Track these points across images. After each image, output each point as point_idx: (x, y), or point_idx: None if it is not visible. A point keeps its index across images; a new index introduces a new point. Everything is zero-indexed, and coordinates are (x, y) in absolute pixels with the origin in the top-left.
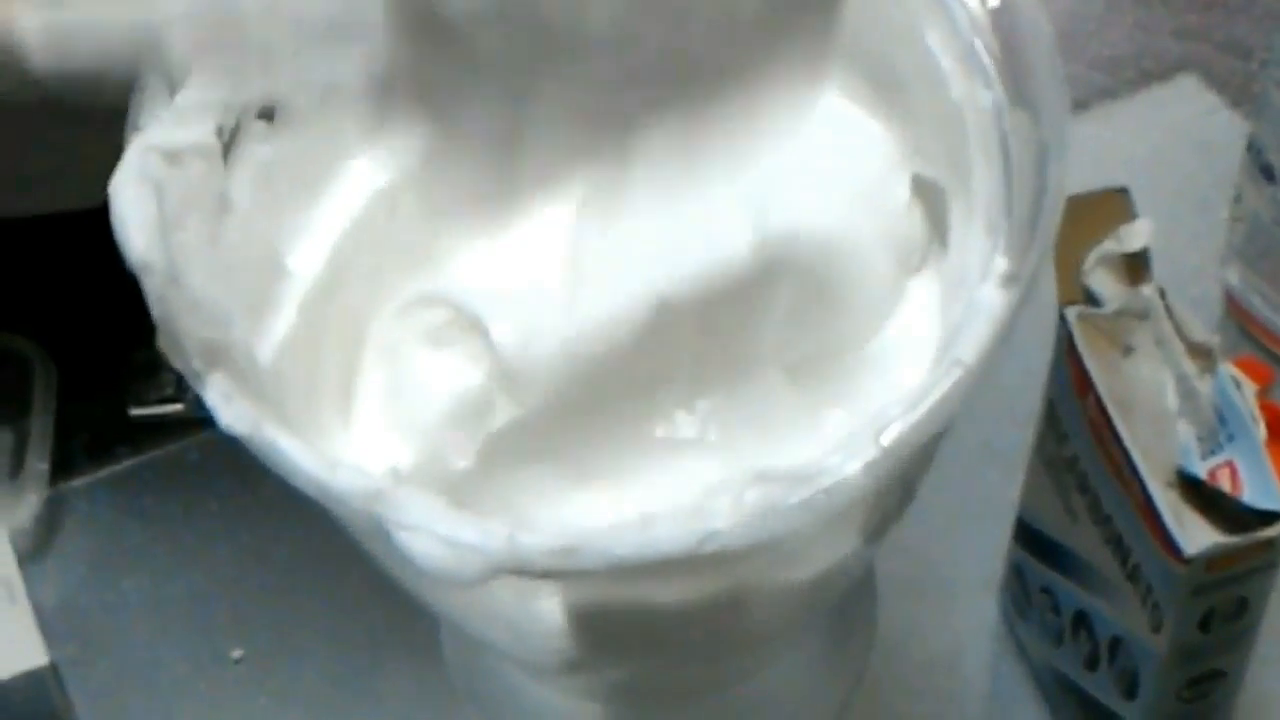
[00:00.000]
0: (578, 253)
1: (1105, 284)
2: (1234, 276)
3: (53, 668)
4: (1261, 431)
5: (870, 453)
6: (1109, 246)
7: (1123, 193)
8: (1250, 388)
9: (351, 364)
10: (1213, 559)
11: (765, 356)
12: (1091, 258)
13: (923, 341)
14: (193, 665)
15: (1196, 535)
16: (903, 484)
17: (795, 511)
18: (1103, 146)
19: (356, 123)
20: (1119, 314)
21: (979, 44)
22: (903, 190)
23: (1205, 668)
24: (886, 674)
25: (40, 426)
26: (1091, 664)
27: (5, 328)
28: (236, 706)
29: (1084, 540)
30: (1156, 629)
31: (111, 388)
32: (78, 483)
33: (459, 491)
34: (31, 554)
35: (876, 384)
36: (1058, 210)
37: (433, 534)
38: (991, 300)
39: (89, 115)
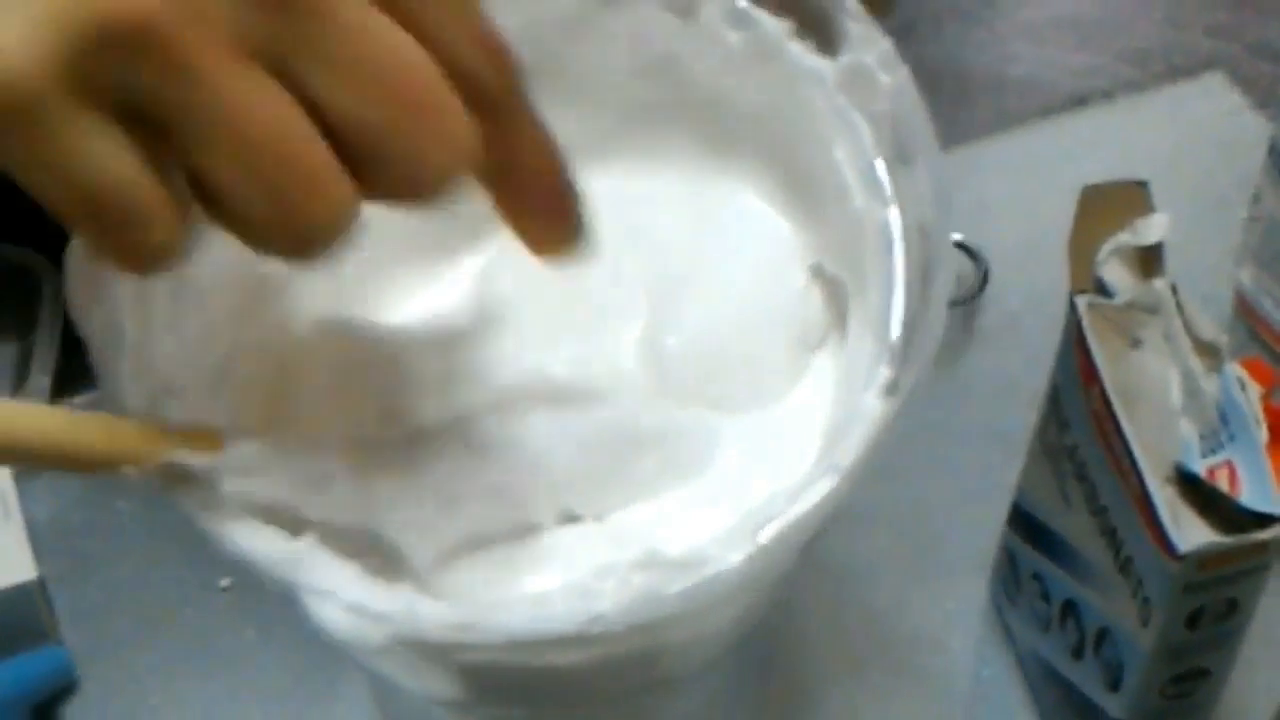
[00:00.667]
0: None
1: (1118, 275)
2: (1247, 277)
3: (40, 583)
4: (1263, 434)
5: (748, 547)
6: (1124, 238)
7: (1142, 185)
8: (1255, 389)
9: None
10: (1205, 558)
11: (648, 441)
12: (1106, 248)
13: (811, 431)
14: (180, 590)
15: (1191, 533)
16: (780, 574)
17: (676, 598)
18: (1125, 138)
19: None
20: (1129, 306)
21: (879, 164)
22: (799, 275)
23: (1190, 665)
24: (874, 649)
25: (45, 340)
26: (1077, 653)
27: (11, 241)
28: (221, 634)
29: (1078, 529)
30: (1145, 623)
31: None
32: (80, 398)
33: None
34: (28, 469)
35: (761, 470)
36: (939, 325)
37: (339, 601)
38: (872, 409)
39: None
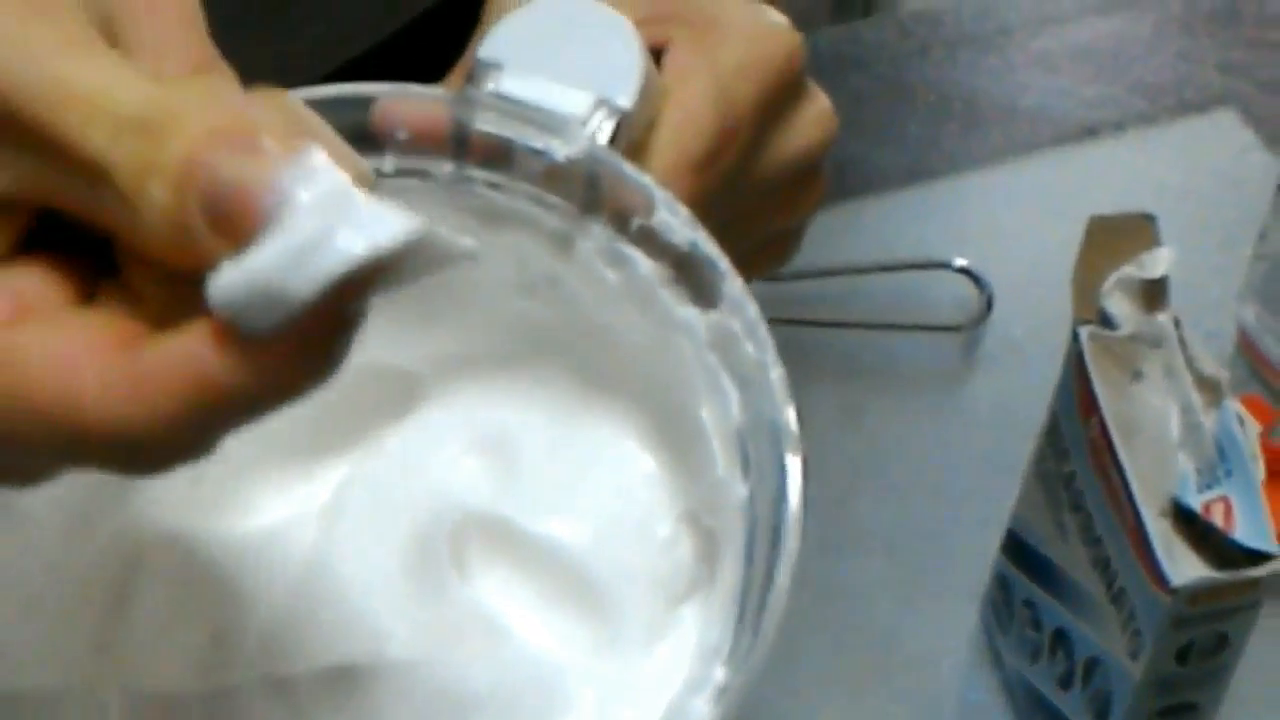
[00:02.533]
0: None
1: (1121, 307)
2: (1250, 315)
3: None
4: (1260, 471)
5: None
6: (1129, 271)
7: (1149, 219)
8: (1254, 427)
9: None
10: (1198, 593)
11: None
12: (1111, 280)
13: (661, 704)
14: None
15: (1184, 567)
16: None
17: None
18: (1134, 171)
19: None
20: (1132, 338)
21: (746, 439)
22: (666, 524)
23: (1178, 699)
24: (866, 671)
25: None
26: (1066, 683)
27: None
28: None
29: (1072, 559)
30: (1134, 655)
31: None
32: None
33: None
34: None
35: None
36: (772, 637)
37: None
38: (697, 715)
39: None
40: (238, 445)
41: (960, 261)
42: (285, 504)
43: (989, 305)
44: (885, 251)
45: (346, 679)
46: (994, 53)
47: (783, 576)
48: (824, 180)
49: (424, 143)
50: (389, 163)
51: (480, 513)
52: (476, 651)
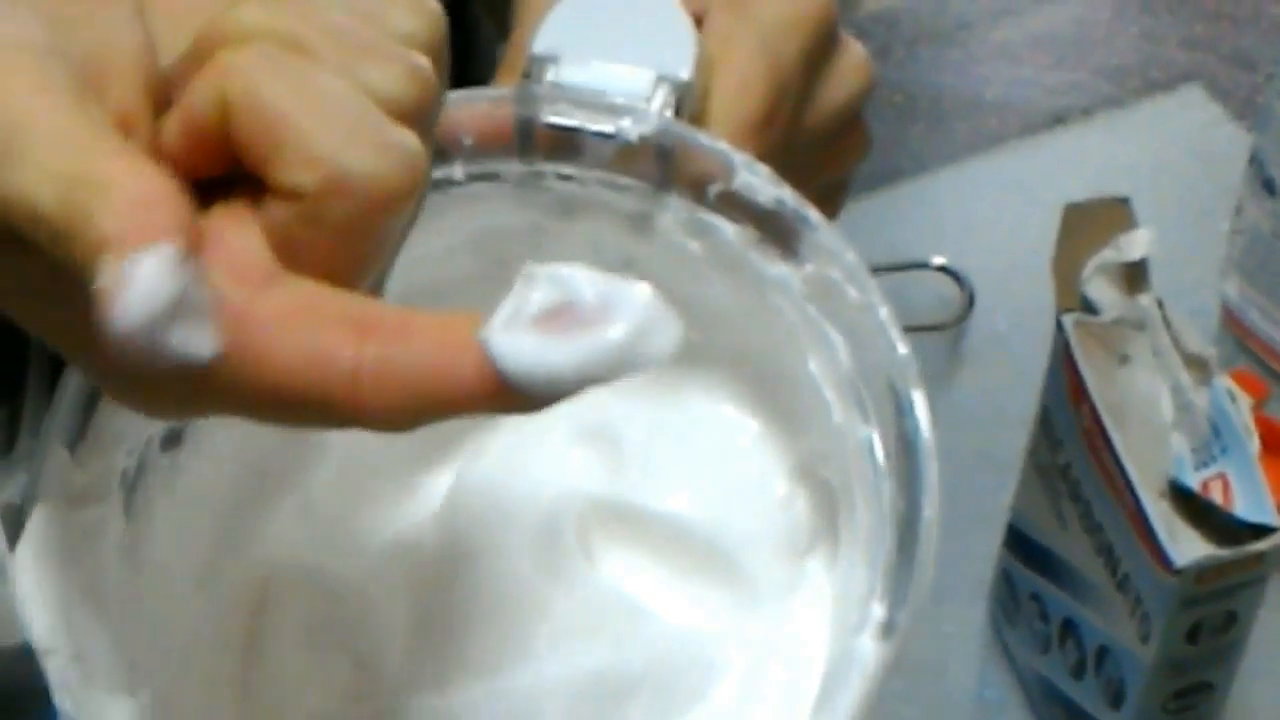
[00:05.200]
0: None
1: (1103, 292)
2: (1232, 289)
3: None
4: (1255, 445)
5: None
6: (1108, 255)
7: (1124, 202)
8: (1245, 401)
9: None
10: (1203, 571)
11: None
12: (1090, 266)
13: (809, 661)
14: None
15: (1187, 547)
16: None
17: None
18: (1105, 155)
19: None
20: (1116, 323)
21: (859, 384)
22: (781, 483)
23: (1192, 680)
24: None
25: (34, 403)
26: (1078, 672)
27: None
28: None
29: (1074, 548)
30: (1144, 639)
31: None
32: None
33: None
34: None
35: (757, 711)
36: (929, 567)
37: None
38: (867, 653)
39: None
40: (339, 471)
41: (938, 260)
42: (397, 520)
43: (970, 302)
44: (861, 256)
45: (499, 680)
46: (955, 47)
47: (929, 507)
48: (865, 128)
49: (490, 145)
50: (458, 170)
51: (599, 499)
52: (621, 634)
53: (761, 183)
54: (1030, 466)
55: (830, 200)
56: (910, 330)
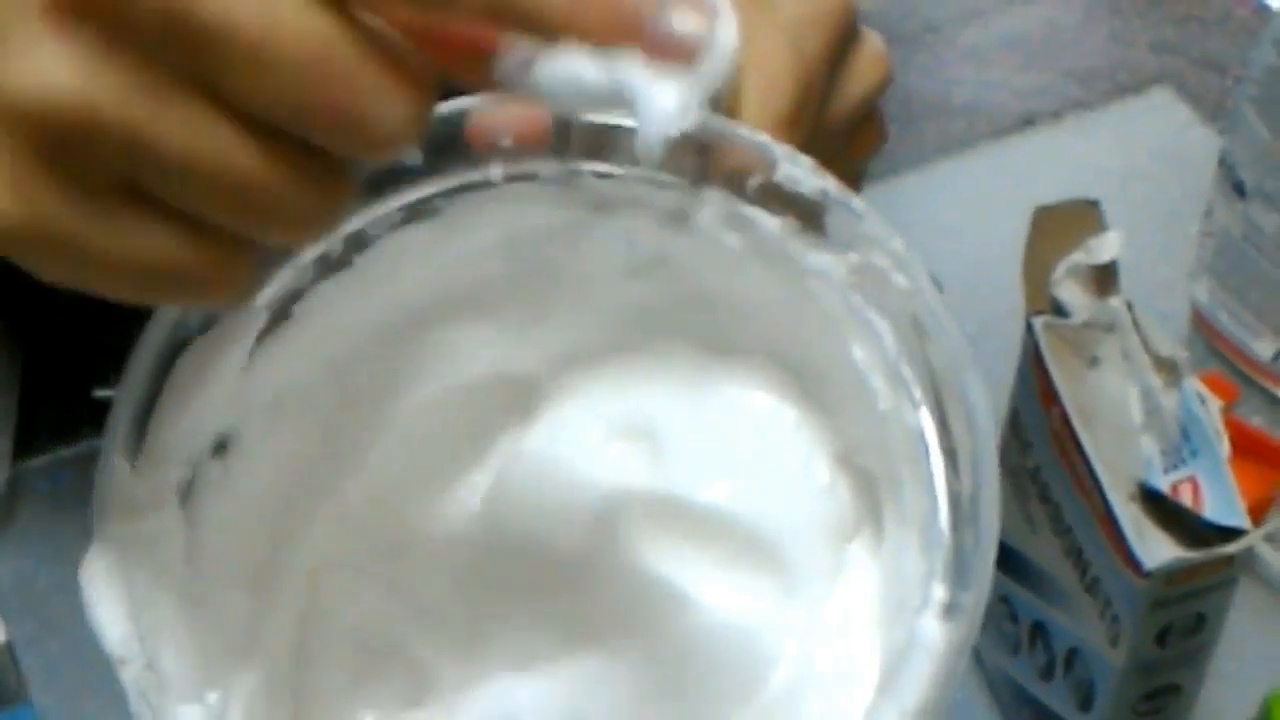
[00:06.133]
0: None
1: (1073, 295)
2: (1202, 292)
3: (8, 646)
4: (1225, 448)
5: None
6: (1078, 258)
7: (1093, 204)
8: (1215, 404)
9: None
10: (1172, 574)
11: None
12: (1060, 268)
13: (862, 645)
14: None
15: (1156, 549)
16: None
17: None
18: (1075, 158)
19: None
20: (1086, 325)
21: (905, 366)
22: (823, 470)
23: (1161, 682)
24: None
25: (3, 404)
26: (1047, 674)
27: None
28: None
29: (1044, 550)
30: (1114, 642)
31: (75, 367)
32: (39, 461)
33: None
34: None
35: (816, 694)
36: (992, 550)
37: None
38: (932, 634)
39: None
40: (375, 478)
41: None
42: (436, 523)
43: None
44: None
45: (552, 679)
46: (923, 50)
47: (990, 486)
48: (883, 120)
49: (529, 145)
50: (496, 171)
51: (640, 493)
52: (671, 624)
53: (805, 174)
54: (1000, 468)
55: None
56: None
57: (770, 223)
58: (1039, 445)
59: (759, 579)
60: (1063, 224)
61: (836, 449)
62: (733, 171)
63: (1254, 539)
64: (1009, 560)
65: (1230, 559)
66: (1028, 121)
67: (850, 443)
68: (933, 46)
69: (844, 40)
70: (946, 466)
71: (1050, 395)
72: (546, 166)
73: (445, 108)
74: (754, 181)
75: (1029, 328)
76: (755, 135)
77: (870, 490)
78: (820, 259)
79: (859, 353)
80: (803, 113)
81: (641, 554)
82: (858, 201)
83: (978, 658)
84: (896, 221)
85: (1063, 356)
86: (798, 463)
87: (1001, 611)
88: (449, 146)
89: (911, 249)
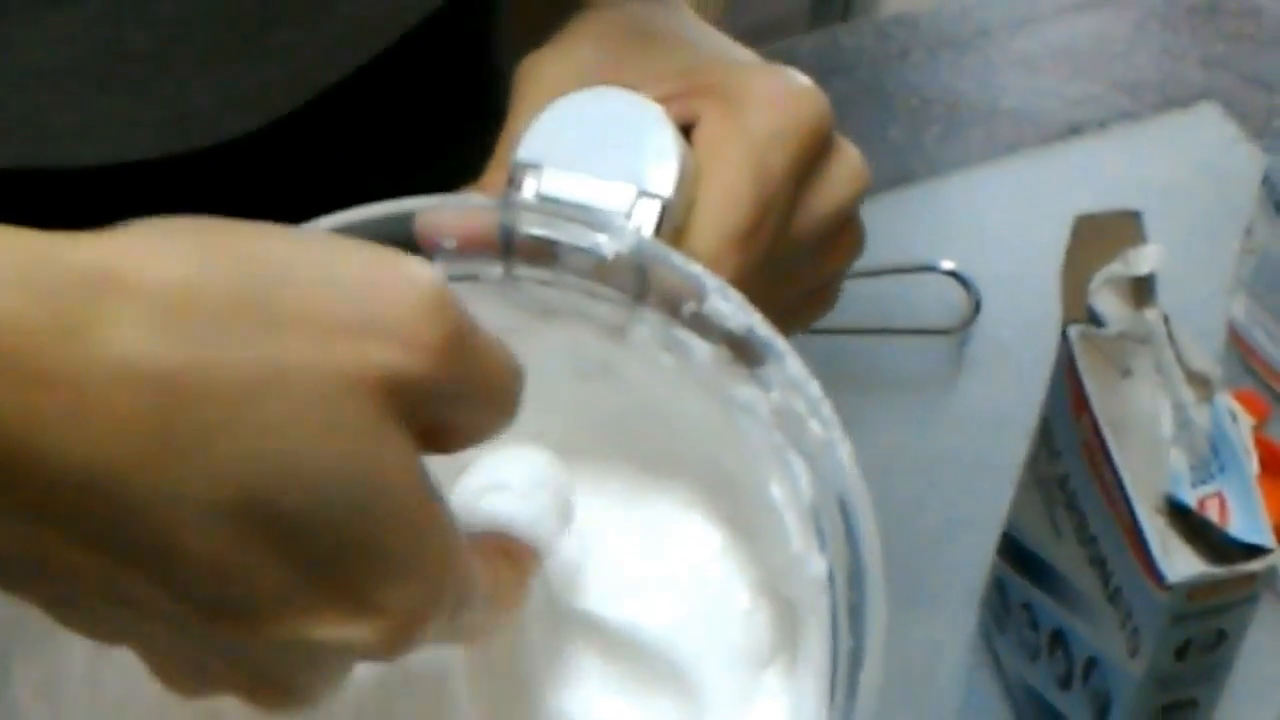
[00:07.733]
0: None
1: (1110, 305)
2: (1239, 309)
3: None
4: (1254, 465)
5: None
6: (1116, 268)
7: (1134, 216)
8: (1247, 421)
9: None
10: (1195, 588)
11: None
12: (1098, 278)
13: None
14: None
15: (1180, 563)
16: None
17: None
18: (1119, 168)
19: None
20: (1121, 336)
21: (817, 509)
22: (744, 595)
23: (1179, 696)
24: None
25: None
26: (1065, 683)
27: None
28: None
29: (1068, 559)
30: (1133, 654)
31: None
32: None
33: None
34: None
35: None
36: (872, 701)
37: None
38: None
39: (115, 78)
40: None
41: (947, 264)
42: None
43: (977, 307)
44: (871, 256)
45: None
46: (974, 54)
47: (873, 654)
48: (859, 228)
49: (472, 248)
50: (439, 270)
51: (561, 601)
52: None
53: (732, 309)
54: (1028, 475)
55: (819, 297)
56: (916, 334)
57: (703, 349)
58: (1068, 453)
59: (667, 703)
60: (1103, 234)
61: (759, 576)
62: (669, 294)
63: (1278, 558)
64: (1033, 567)
65: (1254, 576)
66: (1074, 130)
67: (773, 572)
68: (984, 51)
69: (814, 155)
70: (844, 618)
71: (1082, 404)
72: (489, 269)
73: (393, 206)
74: (688, 307)
75: (1064, 335)
76: (688, 264)
77: (789, 619)
78: (747, 392)
79: (777, 490)
80: (759, 229)
81: (550, 667)
82: (781, 342)
83: (998, 663)
84: (939, 221)
85: (1097, 366)
86: (719, 587)
87: (1023, 618)
88: (398, 245)
89: (823, 396)
